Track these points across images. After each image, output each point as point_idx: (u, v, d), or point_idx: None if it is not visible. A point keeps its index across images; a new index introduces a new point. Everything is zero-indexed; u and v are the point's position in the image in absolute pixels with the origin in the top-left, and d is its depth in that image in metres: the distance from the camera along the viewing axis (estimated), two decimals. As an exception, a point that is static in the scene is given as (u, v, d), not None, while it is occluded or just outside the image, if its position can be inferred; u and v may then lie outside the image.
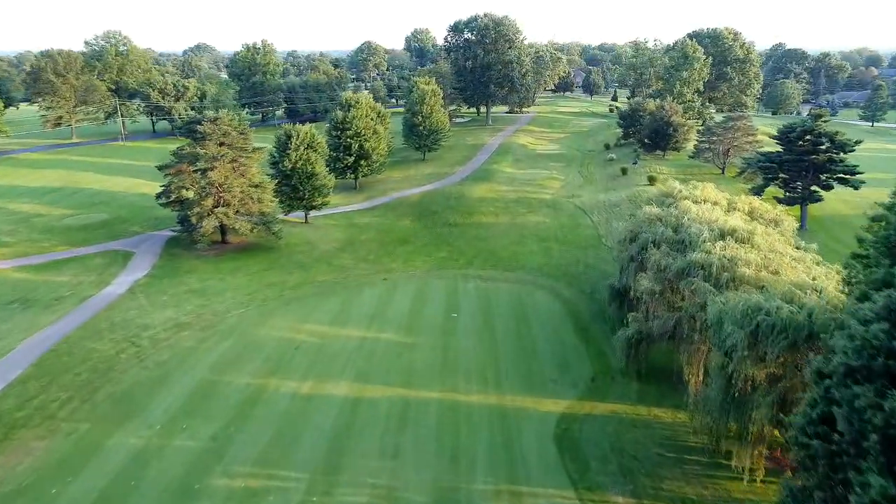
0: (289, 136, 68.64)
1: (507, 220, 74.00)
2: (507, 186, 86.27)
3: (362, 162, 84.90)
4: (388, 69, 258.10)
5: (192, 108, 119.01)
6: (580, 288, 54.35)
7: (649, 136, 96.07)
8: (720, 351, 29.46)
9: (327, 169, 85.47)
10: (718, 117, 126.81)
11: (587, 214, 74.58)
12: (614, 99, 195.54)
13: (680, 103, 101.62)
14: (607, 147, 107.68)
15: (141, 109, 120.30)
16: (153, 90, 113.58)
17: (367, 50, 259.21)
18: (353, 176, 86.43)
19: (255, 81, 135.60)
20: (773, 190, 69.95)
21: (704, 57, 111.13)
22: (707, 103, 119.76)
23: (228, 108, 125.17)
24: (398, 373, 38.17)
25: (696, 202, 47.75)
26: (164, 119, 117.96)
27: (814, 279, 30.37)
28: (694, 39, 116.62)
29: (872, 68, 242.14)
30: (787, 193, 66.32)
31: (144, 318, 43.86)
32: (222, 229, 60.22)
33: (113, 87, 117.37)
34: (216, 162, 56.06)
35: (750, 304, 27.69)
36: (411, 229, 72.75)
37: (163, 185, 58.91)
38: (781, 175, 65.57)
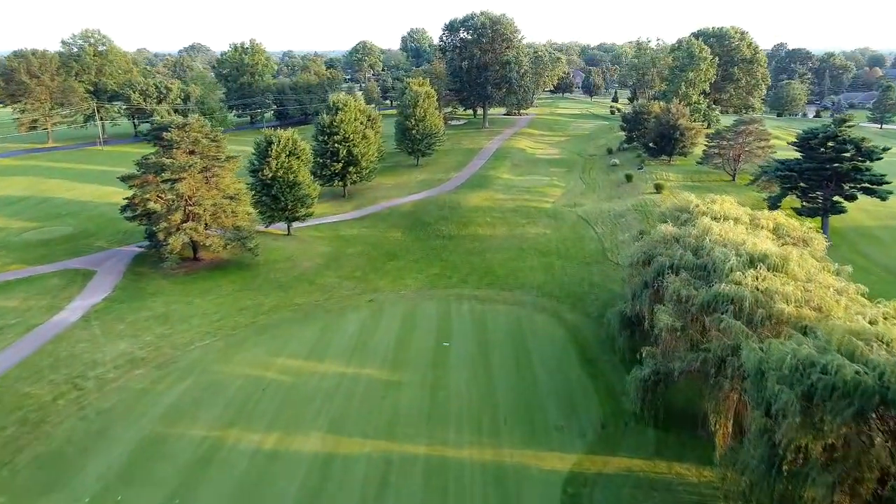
0: (269, 143, 63.57)
1: (505, 231, 69.05)
2: (505, 194, 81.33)
3: (351, 169, 79.87)
4: (383, 69, 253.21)
5: (176, 111, 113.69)
6: (585, 310, 49.38)
7: (654, 140, 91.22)
8: (760, 409, 24.51)
9: (313, 177, 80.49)
10: (726, 120, 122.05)
11: (591, 225, 69.65)
12: (615, 100, 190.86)
13: (685, 105, 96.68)
14: (610, 151, 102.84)
15: (122, 112, 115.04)
16: (133, 92, 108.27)
17: (361, 50, 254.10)
18: (341, 184, 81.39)
19: (242, 83, 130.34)
20: (789, 200, 65.21)
21: (711, 57, 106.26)
22: (713, 105, 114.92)
23: (214, 111, 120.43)
24: (380, 420, 33.13)
25: (715, 218, 42.99)
26: (147, 122, 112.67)
27: (871, 323, 25.42)
28: (700, 38, 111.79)
29: (877, 69, 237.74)
30: (806, 204, 61.47)
31: (94, 353, 38.75)
32: (194, 245, 55.12)
33: (91, 89, 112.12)
34: (185, 172, 50.96)
35: (801, 358, 22.73)
36: (402, 242, 67.73)
37: (126, 198, 53.74)
38: (800, 184, 60.66)
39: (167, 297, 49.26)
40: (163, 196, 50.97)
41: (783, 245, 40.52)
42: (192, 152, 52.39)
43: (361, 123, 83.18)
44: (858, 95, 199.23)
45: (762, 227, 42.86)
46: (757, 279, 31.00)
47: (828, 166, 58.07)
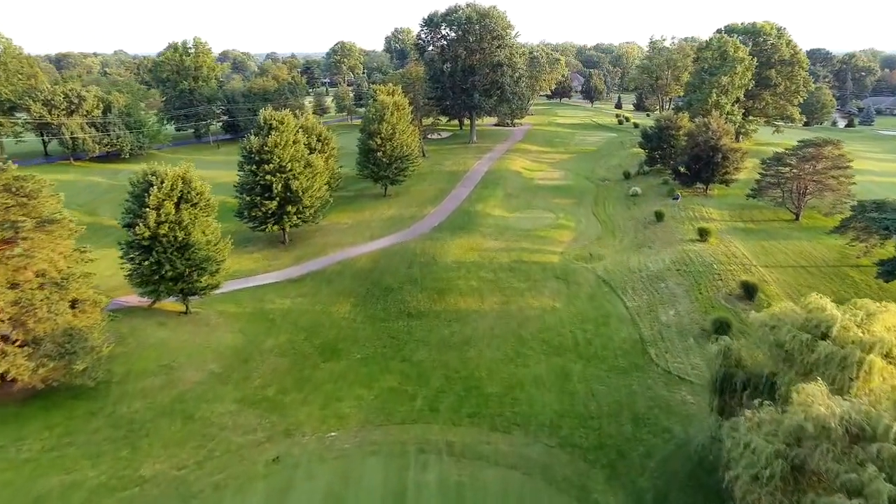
0: (149, 185, 42.95)
1: (497, 304, 48.76)
2: (497, 241, 61.01)
3: (289, 208, 59.26)
4: (363, 72, 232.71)
5: (93, 125, 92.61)
6: (632, 483, 29.30)
7: (688, 164, 71.27)
8: None
9: (240, 217, 60.51)
10: (771, 134, 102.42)
11: (616, 294, 49.55)
12: (618, 106, 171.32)
13: (725, 119, 76.92)
14: (627, 176, 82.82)
15: (25, 127, 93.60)
16: (34, 102, 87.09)
17: (340, 51, 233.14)
18: (276, 227, 60.69)
19: (183, 89, 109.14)
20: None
21: (749, 58, 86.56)
22: (747, 116, 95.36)
23: (144, 124, 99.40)
24: None
25: (887, 357, 23.20)
26: (57, 138, 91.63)
27: None
28: (734, 36, 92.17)
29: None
30: (939, 272, 41.59)
31: None
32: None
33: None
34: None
35: None
36: (350, 324, 47.30)
37: None
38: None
39: (-88, 473, 28.45)
40: (-81, 292, 30.18)
41: None
42: (-26, 216, 31.63)
43: (305, 146, 62.67)
44: (885, 100, 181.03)
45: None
46: None
47: (985, 222, 38.25)
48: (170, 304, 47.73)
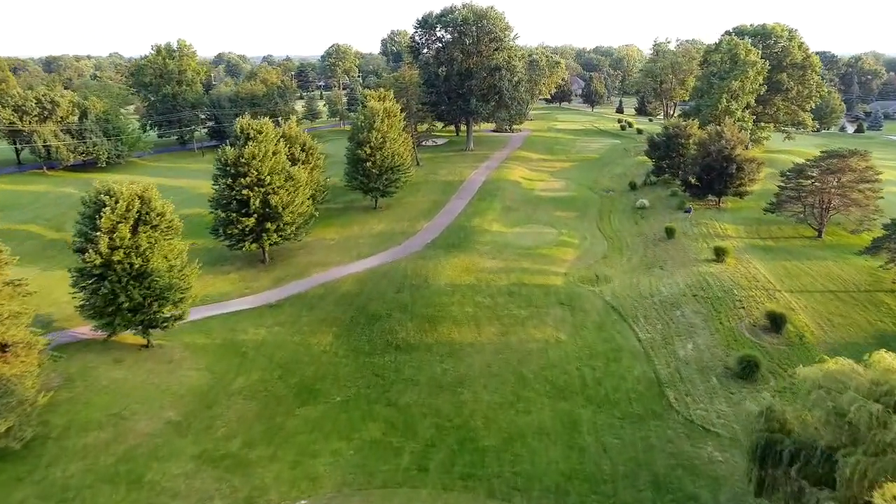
0: (102, 205, 38.06)
1: (495, 335, 43.90)
2: (495, 260, 56.10)
3: (268, 225, 54.30)
4: (358, 75, 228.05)
5: (68, 132, 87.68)
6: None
7: (699, 174, 66.54)
8: None
9: (215, 235, 55.74)
10: (782, 142, 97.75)
11: (627, 322, 44.71)
12: (619, 110, 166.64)
13: (739, 126, 72.22)
14: (633, 187, 77.93)
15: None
16: (3, 108, 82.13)
17: (334, 53, 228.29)
18: (254, 246, 55.74)
19: (166, 94, 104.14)
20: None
21: (762, 61, 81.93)
22: (758, 122, 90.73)
23: (124, 131, 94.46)
24: None
25: None
26: (29, 146, 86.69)
27: None
28: (744, 38, 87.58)
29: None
30: None
31: None
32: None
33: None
34: None
35: None
36: (330, 359, 42.37)
37: None
38: None
39: None
40: None
41: None
42: None
43: (288, 157, 57.83)
44: (892, 104, 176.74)
45: None
46: None
47: None
48: (130, 336, 42.79)
